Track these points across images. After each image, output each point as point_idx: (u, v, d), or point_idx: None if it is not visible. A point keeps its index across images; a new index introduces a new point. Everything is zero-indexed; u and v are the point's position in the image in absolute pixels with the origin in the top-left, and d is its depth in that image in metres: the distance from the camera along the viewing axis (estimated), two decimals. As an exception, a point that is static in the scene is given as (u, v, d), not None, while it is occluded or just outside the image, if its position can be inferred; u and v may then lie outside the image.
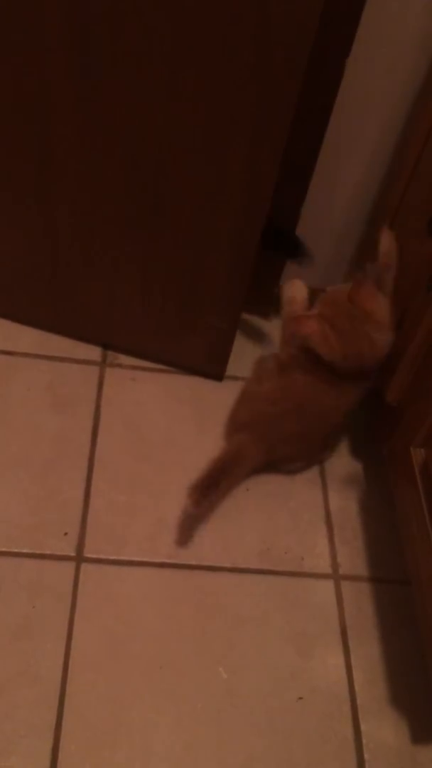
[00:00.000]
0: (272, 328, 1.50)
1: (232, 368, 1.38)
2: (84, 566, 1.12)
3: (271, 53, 0.92)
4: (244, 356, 1.37)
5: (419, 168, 1.14)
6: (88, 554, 1.14)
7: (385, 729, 1.05)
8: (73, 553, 1.13)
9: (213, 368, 1.39)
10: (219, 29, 0.91)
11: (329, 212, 1.35)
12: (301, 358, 1.17)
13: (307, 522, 1.25)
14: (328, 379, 1.16)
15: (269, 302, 1.49)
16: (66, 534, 1.15)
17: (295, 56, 0.92)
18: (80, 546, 1.14)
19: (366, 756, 1.02)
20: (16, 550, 1.12)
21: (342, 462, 1.34)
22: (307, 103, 1.03)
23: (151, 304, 1.31)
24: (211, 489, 1.14)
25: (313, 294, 1.25)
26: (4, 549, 1.12)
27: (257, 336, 1.48)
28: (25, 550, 1.12)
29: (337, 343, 1.12)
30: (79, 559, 1.13)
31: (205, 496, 1.13)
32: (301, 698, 1.06)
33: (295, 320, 1.19)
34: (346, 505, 1.29)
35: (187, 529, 1.18)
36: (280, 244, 1.32)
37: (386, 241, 1.15)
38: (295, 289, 1.27)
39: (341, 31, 1.07)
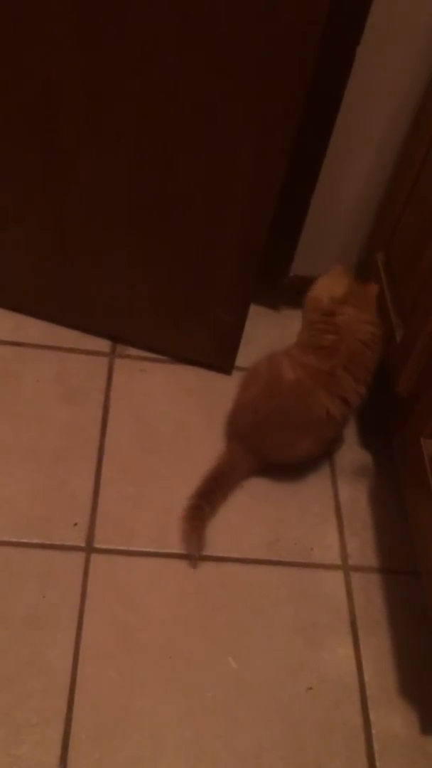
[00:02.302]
0: (281, 318, 1.50)
1: (241, 360, 1.38)
2: (93, 557, 1.13)
3: (280, 41, 0.91)
4: (253, 348, 1.37)
5: (430, 156, 1.13)
6: (97, 545, 1.14)
7: (395, 719, 1.05)
8: (82, 544, 1.13)
9: (221, 361, 1.39)
10: (226, 17, 0.91)
11: (339, 202, 1.34)
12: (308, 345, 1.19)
13: (317, 513, 1.25)
14: (321, 379, 1.16)
15: (278, 293, 1.49)
16: (76, 524, 1.15)
17: (305, 44, 0.91)
18: (90, 536, 1.14)
19: (375, 746, 1.02)
20: (26, 541, 1.12)
21: (351, 453, 1.34)
22: (317, 92, 1.03)
23: (158, 297, 1.31)
24: (208, 499, 1.17)
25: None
26: (14, 539, 1.12)
27: (266, 328, 1.47)
28: (35, 541, 1.13)
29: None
30: (89, 549, 1.13)
31: (205, 504, 1.17)
32: (310, 688, 1.06)
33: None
34: (355, 496, 1.28)
35: (195, 540, 1.15)
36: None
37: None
38: (321, 289, 1.24)
39: (351, 18, 1.06)
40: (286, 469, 1.27)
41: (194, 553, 1.14)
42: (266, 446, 1.22)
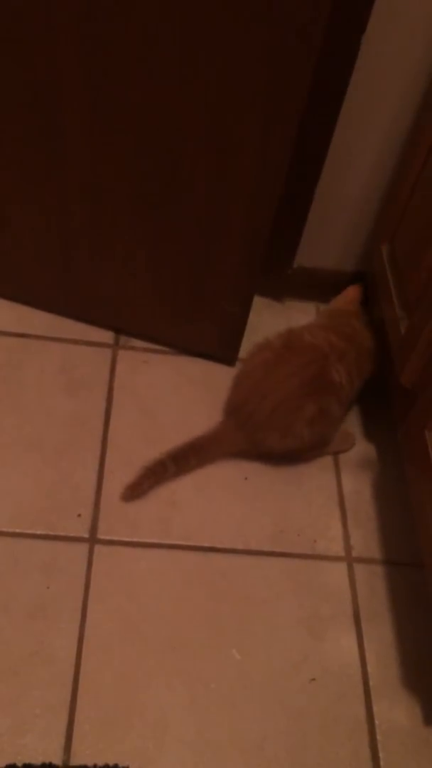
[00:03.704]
0: (285, 309, 1.49)
1: (245, 351, 1.37)
2: (97, 548, 1.13)
3: (284, 30, 0.90)
4: (257, 339, 1.36)
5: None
6: (101, 536, 1.14)
7: (398, 710, 1.05)
8: (86, 535, 1.14)
9: (225, 352, 1.39)
10: (231, 6, 0.90)
11: (343, 193, 1.33)
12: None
13: (321, 505, 1.25)
14: (337, 351, 1.22)
15: (283, 284, 1.49)
16: (79, 516, 1.15)
17: (309, 32, 0.90)
18: (93, 528, 1.15)
19: (379, 737, 1.02)
20: (30, 532, 1.13)
21: (355, 445, 1.33)
22: (322, 81, 1.02)
23: (162, 289, 1.31)
24: (179, 461, 1.19)
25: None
26: (18, 530, 1.12)
27: (270, 319, 1.47)
28: (39, 532, 1.13)
29: None
30: (93, 540, 1.13)
31: (172, 465, 1.19)
32: (313, 680, 1.06)
33: None
34: (359, 488, 1.28)
35: (140, 484, 1.18)
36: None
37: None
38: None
39: (356, 5, 1.05)
40: (281, 457, 1.26)
41: (127, 495, 1.17)
42: (265, 413, 1.19)
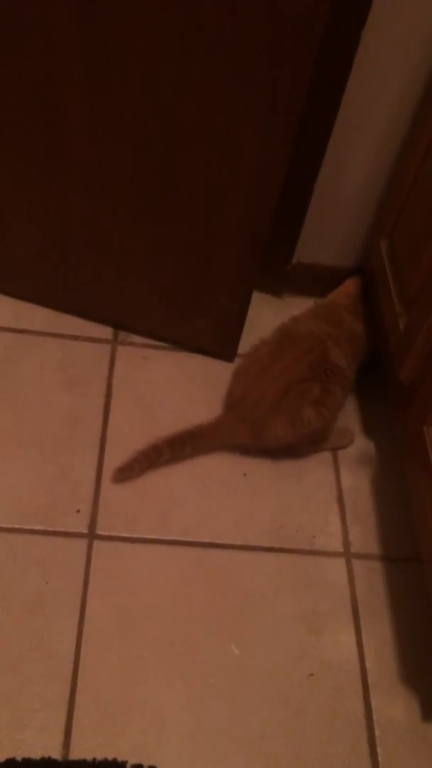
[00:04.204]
0: (284, 305, 1.49)
1: (243, 347, 1.37)
2: (96, 543, 1.13)
3: (284, 23, 0.90)
4: (255, 335, 1.36)
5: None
6: (100, 531, 1.14)
7: (396, 705, 1.05)
8: (85, 531, 1.14)
9: (224, 348, 1.39)
10: (231, 1, 0.90)
11: (343, 189, 1.33)
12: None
13: (319, 501, 1.25)
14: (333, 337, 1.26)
15: (281, 280, 1.48)
16: (78, 511, 1.16)
17: (310, 28, 0.90)
18: (92, 523, 1.15)
19: (377, 732, 1.03)
20: (29, 527, 1.13)
21: (354, 441, 1.33)
22: (321, 77, 1.02)
23: (161, 285, 1.31)
24: (175, 447, 1.19)
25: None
26: (17, 526, 1.12)
27: (269, 315, 1.47)
28: (38, 528, 1.13)
29: None
30: (92, 536, 1.13)
31: (167, 450, 1.19)
32: (312, 675, 1.06)
33: None
34: (358, 484, 1.28)
35: (131, 467, 1.18)
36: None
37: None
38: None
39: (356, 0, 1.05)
40: (280, 452, 1.26)
41: (117, 477, 1.18)
42: (271, 402, 1.20)
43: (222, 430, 1.24)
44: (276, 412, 1.20)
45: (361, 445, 1.34)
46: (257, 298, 1.42)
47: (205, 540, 1.16)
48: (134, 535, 1.15)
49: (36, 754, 0.93)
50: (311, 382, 1.21)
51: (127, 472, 1.18)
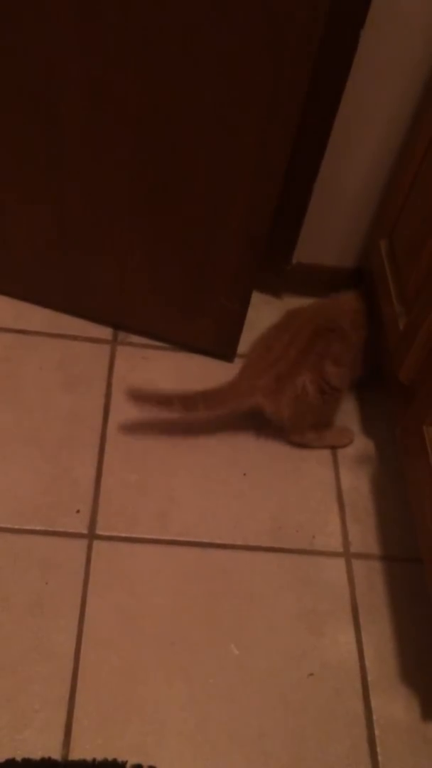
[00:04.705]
0: (284, 305, 1.49)
1: (243, 347, 1.37)
2: (96, 543, 1.13)
3: (284, 23, 0.90)
4: (255, 336, 1.36)
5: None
6: (100, 531, 1.14)
7: (396, 705, 1.05)
8: (85, 531, 1.14)
9: (224, 349, 1.39)
10: (229, 1, 0.90)
11: (342, 189, 1.33)
12: None
13: (319, 500, 1.25)
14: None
15: (281, 281, 1.48)
16: (78, 511, 1.16)
17: (309, 27, 0.90)
18: (92, 523, 1.15)
19: (377, 732, 1.03)
20: (29, 528, 1.13)
21: (354, 441, 1.34)
22: (321, 77, 1.02)
23: (161, 285, 1.31)
24: (187, 402, 1.19)
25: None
26: (17, 526, 1.12)
27: (269, 315, 1.47)
28: (38, 528, 1.13)
29: None
30: (92, 536, 1.13)
31: (178, 402, 1.19)
32: (312, 674, 1.06)
33: None
34: (357, 483, 1.28)
35: (147, 396, 1.21)
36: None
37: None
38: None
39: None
40: (289, 424, 1.26)
41: (132, 392, 1.20)
42: (295, 356, 1.20)
43: (239, 389, 1.22)
44: (301, 365, 1.20)
45: (360, 445, 1.34)
46: (257, 299, 1.42)
47: (205, 540, 1.17)
48: (134, 535, 1.15)
49: (36, 754, 0.93)
50: (332, 334, 1.23)
51: (142, 394, 1.20)
